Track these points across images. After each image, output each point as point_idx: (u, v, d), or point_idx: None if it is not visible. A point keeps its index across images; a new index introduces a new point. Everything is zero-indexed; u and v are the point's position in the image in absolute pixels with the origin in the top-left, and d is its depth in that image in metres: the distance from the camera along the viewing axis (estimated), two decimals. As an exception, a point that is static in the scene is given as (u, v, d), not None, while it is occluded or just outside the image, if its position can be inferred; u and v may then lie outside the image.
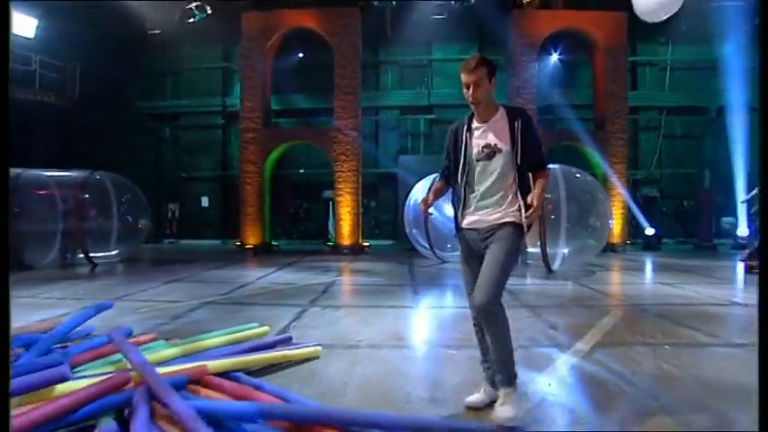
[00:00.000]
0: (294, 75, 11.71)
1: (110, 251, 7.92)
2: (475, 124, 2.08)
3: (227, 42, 12.37)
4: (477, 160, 2.04)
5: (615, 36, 10.18)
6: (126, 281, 6.01)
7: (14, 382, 1.68)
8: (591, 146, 10.03)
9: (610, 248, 9.63)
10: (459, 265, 2.19)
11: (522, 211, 1.98)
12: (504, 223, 1.99)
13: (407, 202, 9.00)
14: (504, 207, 2.01)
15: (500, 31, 10.57)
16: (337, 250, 9.91)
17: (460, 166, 2.07)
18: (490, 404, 1.99)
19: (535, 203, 1.89)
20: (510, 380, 1.95)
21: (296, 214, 12.54)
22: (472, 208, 2.07)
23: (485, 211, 2.04)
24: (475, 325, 2.09)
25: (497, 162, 2.01)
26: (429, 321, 4.08)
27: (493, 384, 2.04)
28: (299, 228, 12.53)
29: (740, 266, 7.18)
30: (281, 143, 10.35)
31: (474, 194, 2.06)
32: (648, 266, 8.03)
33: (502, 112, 2.07)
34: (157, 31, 11.08)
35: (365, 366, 2.70)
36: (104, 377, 1.93)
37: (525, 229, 2.02)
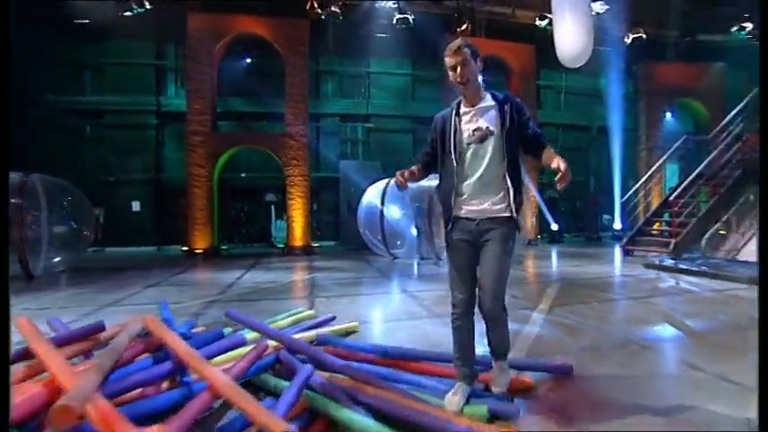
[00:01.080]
0: (240, 79, 11.73)
1: (51, 260, 7.38)
2: (463, 109, 2.06)
3: (163, 40, 11.88)
4: (468, 144, 2.00)
5: (527, 64, 12.22)
6: (99, 288, 5.86)
7: (209, 349, 2.17)
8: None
9: (527, 242, 11.64)
10: (449, 255, 2.09)
11: (511, 198, 1.97)
12: (502, 218, 1.97)
13: (360, 205, 9.79)
14: (501, 195, 1.99)
15: (433, 52, 11.94)
16: (289, 252, 10.28)
17: (452, 152, 2.01)
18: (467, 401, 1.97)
19: (562, 166, 1.84)
20: (506, 355, 2.10)
21: (237, 218, 12.50)
22: (466, 196, 2.01)
23: (480, 198, 1.99)
24: (456, 320, 2.02)
25: (489, 145, 1.98)
26: (426, 301, 4.98)
27: (469, 381, 2.02)
28: (240, 231, 12.50)
29: (618, 251, 9.40)
30: (231, 147, 10.40)
31: (467, 182, 2.00)
32: (558, 255, 9.93)
33: (489, 97, 2.07)
34: (85, 21, 10.26)
35: (399, 333, 3.51)
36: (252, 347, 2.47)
37: (519, 225, 2.02)
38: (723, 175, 8.78)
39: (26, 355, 1.85)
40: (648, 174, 10.49)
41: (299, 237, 10.40)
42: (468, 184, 2.01)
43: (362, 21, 11.64)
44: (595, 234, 13.31)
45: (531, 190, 11.91)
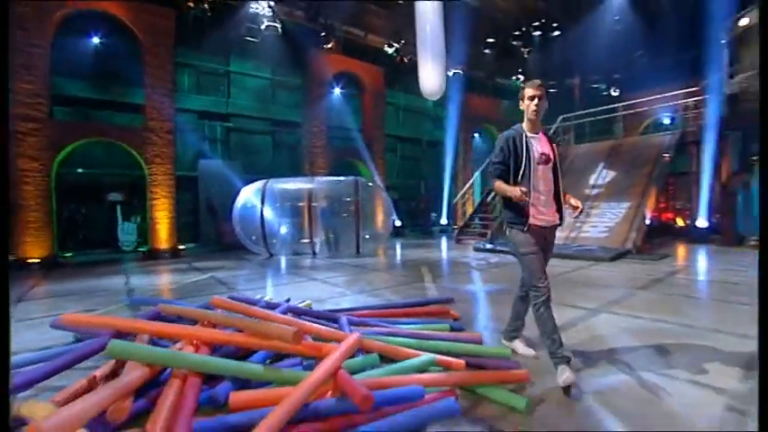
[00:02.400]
0: (84, 61, 10.14)
1: None
2: (529, 134, 2.48)
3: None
4: (538, 164, 2.43)
5: (377, 83, 14.24)
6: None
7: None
8: (364, 161, 13.73)
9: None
10: (530, 253, 2.43)
11: (562, 210, 2.51)
12: (555, 226, 2.54)
13: (235, 205, 9.97)
14: (554, 207, 2.50)
15: (296, 61, 12.83)
16: (152, 256, 9.66)
17: (524, 168, 2.41)
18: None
19: (580, 204, 2.50)
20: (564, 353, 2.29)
21: (72, 220, 10.76)
22: (540, 208, 2.46)
23: (547, 211, 2.47)
24: (545, 301, 2.36)
25: (549, 168, 2.47)
26: (340, 285, 6.05)
27: (567, 360, 2.26)
28: (77, 236, 10.80)
29: (444, 241, 12.23)
30: (79, 138, 9.09)
31: (539, 197, 2.44)
32: (409, 245, 12.16)
33: (541, 131, 2.55)
34: None
35: (372, 301, 4.62)
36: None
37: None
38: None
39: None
40: (469, 183, 13.80)
41: (164, 239, 9.85)
42: (539, 199, 2.45)
43: (230, 20, 11.64)
44: (428, 228, 16.38)
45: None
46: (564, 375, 2.16)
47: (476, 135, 17.82)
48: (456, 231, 12.31)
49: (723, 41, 10.27)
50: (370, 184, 11.21)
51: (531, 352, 2.65)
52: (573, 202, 2.54)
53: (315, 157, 12.93)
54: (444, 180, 16.53)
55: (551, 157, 2.47)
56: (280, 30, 11.75)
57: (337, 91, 14.02)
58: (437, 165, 17.18)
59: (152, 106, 9.75)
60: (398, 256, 9.28)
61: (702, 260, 7.45)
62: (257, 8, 11.35)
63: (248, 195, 10.01)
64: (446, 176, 16.27)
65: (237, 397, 1.74)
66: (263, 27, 11.57)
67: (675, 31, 12.73)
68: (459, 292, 5.00)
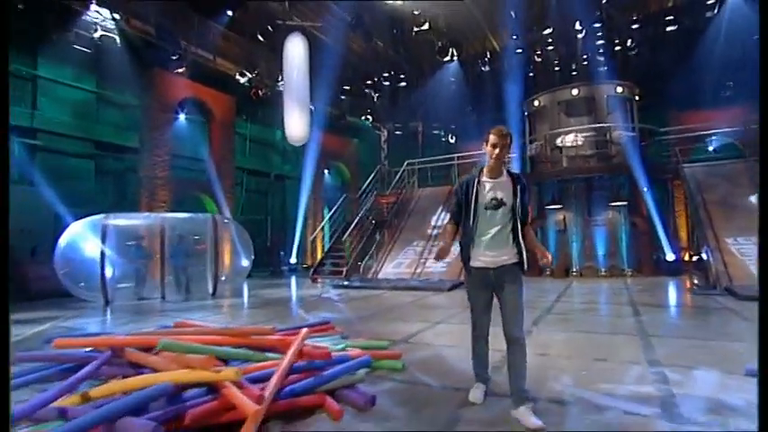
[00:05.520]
0: None
1: None
2: (485, 179, 2.93)
3: None
4: (486, 208, 2.86)
5: (227, 112, 15.22)
6: None
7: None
8: (212, 195, 14.38)
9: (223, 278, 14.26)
10: (472, 292, 3.01)
11: (523, 251, 2.88)
12: (512, 264, 2.87)
13: (59, 244, 9.60)
14: (508, 248, 2.88)
15: (129, 79, 12.95)
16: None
17: (471, 213, 2.89)
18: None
19: (547, 254, 2.98)
20: (528, 394, 2.80)
21: None
22: (482, 249, 2.89)
23: (494, 252, 2.88)
24: (479, 336, 3.02)
25: (501, 212, 2.86)
26: (234, 320, 6.97)
27: (484, 380, 3.07)
28: None
29: (293, 280, 13.78)
30: None
31: (483, 238, 2.89)
32: (262, 285, 13.13)
33: (506, 173, 2.95)
34: None
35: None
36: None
37: (525, 266, 2.89)
38: (365, 224, 14.85)
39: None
40: (324, 222, 15.70)
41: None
42: (483, 240, 2.90)
43: (48, 15, 11.19)
44: (278, 268, 17.53)
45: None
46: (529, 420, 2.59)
47: (326, 171, 20.05)
48: (311, 270, 13.90)
49: (525, 113, 14.88)
50: (227, 220, 12.05)
51: (537, 424, 2.54)
52: (540, 254, 3.05)
53: (156, 189, 13.02)
54: (295, 216, 18.09)
55: (505, 201, 2.87)
56: (118, 42, 11.89)
57: (183, 117, 14.45)
58: (285, 200, 18.68)
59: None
60: (259, 297, 10.36)
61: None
62: (97, 16, 11.34)
63: (78, 232, 9.78)
64: (299, 212, 17.87)
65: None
66: (96, 35, 11.53)
67: (492, 96, 17.41)
68: (333, 319, 6.31)
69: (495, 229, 2.86)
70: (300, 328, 5.07)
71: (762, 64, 2.05)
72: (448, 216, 3.18)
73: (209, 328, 4.20)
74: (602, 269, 12.48)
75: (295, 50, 10.43)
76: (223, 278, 11.11)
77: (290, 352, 3.19)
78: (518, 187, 2.89)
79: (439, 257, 3.00)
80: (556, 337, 5.16)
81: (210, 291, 10.46)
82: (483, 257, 2.89)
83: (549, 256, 2.99)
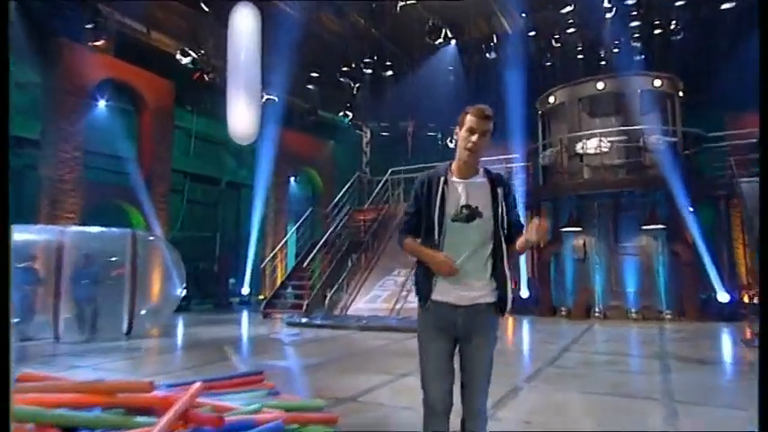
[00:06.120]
0: None
1: None
2: (454, 178, 2.48)
3: None
4: (453, 220, 2.39)
5: (164, 100, 14.89)
6: None
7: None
8: (139, 205, 13.96)
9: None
10: (425, 340, 2.52)
11: (507, 285, 2.43)
12: (487, 305, 2.40)
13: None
14: (483, 281, 2.41)
15: (36, 52, 12.59)
16: None
17: (435, 225, 2.41)
18: None
19: (539, 232, 2.26)
20: None
21: None
22: (447, 280, 2.40)
23: (463, 285, 2.39)
24: (434, 423, 2.41)
25: (477, 227, 2.39)
26: (143, 365, 6.51)
27: None
28: None
29: (245, 315, 13.32)
30: None
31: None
32: (198, 322, 12.66)
33: (482, 173, 2.52)
34: None
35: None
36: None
37: (508, 307, 2.44)
38: (336, 246, 14.48)
39: None
40: (283, 241, 15.31)
41: None
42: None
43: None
44: (225, 300, 17.01)
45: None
46: None
47: (292, 179, 19.73)
48: (263, 303, 13.45)
49: (538, 111, 14.67)
50: (152, 238, 11.61)
51: None
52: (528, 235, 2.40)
53: (61, 196, 12.54)
54: (249, 235, 17.65)
55: (480, 211, 2.40)
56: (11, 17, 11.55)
57: (102, 104, 14.10)
58: (239, 213, 18.27)
59: None
60: (190, 336, 9.90)
61: (518, 328, 10.43)
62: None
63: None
64: (253, 230, 17.44)
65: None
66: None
67: (497, 90, 17.15)
68: (273, 367, 6.17)
69: (467, 250, 2.39)
70: (194, 382, 4.68)
71: (762, 64, 2.27)
72: (401, 227, 2.64)
73: (67, 383, 3.80)
74: (633, 310, 12.04)
75: (243, 24, 10.10)
76: (143, 312, 10.60)
77: (167, 416, 2.90)
78: (499, 191, 2.46)
79: (450, 273, 2.38)
80: (549, 401, 4.88)
81: (125, 329, 9.95)
82: (452, 291, 2.40)
83: (544, 223, 2.32)
